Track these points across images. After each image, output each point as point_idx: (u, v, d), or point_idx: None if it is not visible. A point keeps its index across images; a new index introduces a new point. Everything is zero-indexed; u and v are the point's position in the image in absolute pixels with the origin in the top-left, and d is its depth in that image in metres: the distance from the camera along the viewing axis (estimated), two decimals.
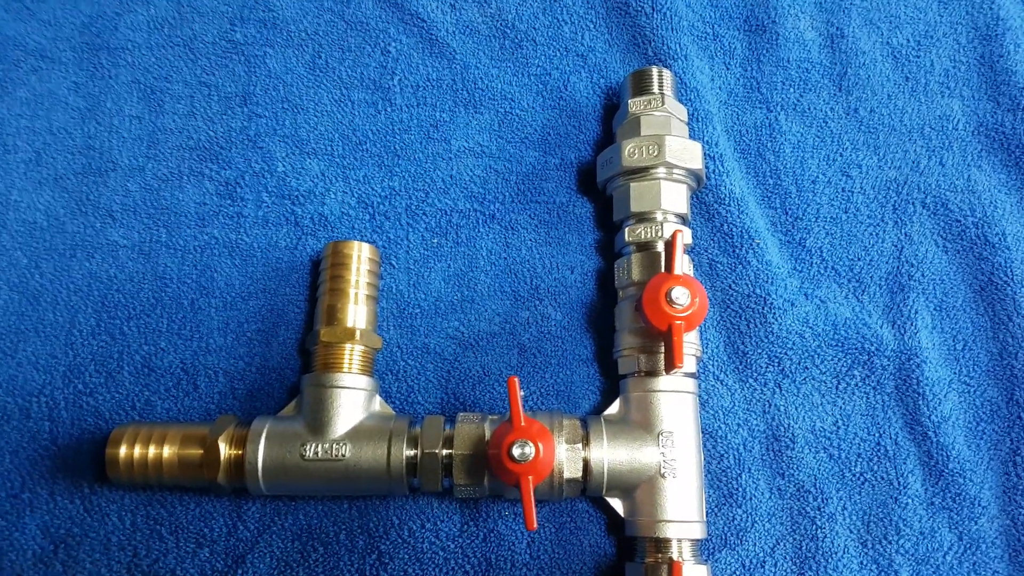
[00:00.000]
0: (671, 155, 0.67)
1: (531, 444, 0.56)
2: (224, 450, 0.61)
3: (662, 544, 0.60)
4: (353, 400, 0.63)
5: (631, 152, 0.68)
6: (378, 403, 0.66)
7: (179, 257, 0.72)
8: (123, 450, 0.61)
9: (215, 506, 0.65)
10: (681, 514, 0.61)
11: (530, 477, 0.56)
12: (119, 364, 0.68)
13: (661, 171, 0.68)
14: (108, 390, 0.68)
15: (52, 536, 0.64)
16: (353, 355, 0.64)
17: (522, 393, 0.69)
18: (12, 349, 0.69)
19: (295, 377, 0.69)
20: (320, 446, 0.61)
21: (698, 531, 0.61)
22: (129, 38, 0.80)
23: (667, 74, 0.72)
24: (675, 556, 0.60)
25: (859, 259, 0.73)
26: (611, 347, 0.69)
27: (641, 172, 0.68)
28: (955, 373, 0.70)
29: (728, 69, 0.79)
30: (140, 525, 0.64)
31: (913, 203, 0.75)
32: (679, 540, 0.60)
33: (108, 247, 0.72)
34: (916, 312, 0.71)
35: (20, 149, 0.75)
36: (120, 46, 0.79)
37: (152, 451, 0.61)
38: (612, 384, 0.69)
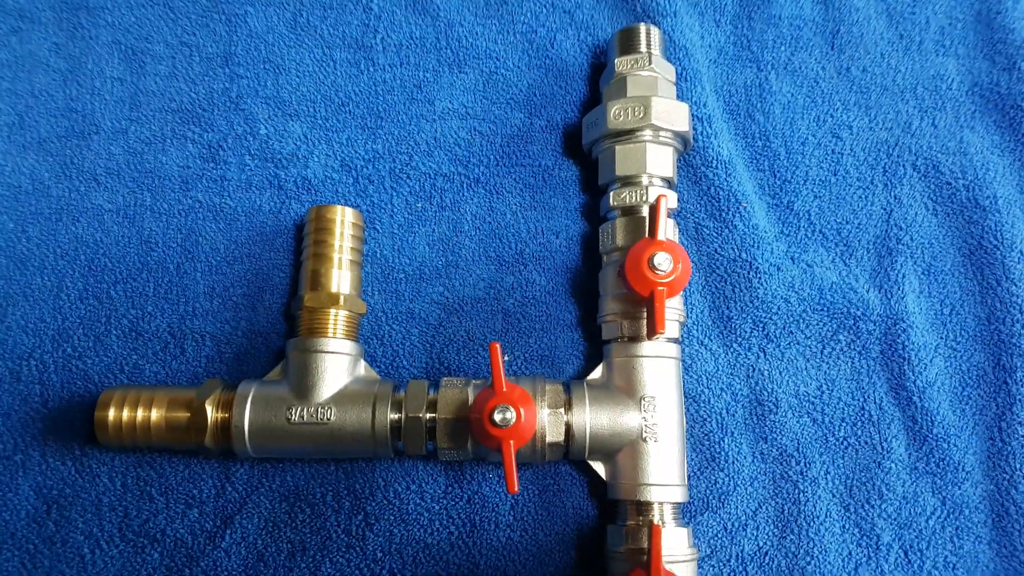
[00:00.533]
0: (657, 117, 0.66)
1: (512, 409, 0.56)
2: (211, 413, 0.61)
3: (644, 507, 0.61)
4: (338, 364, 0.63)
5: (616, 114, 0.66)
6: (363, 367, 0.66)
7: (164, 221, 0.71)
8: (112, 413, 0.62)
9: (203, 468, 0.66)
10: (663, 478, 0.61)
11: (511, 441, 0.56)
12: (107, 328, 0.69)
13: (647, 133, 0.66)
14: (97, 354, 0.68)
15: (45, 496, 0.65)
16: (337, 320, 0.65)
17: (506, 358, 0.69)
18: (1, 314, 0.69)
19: (281, 341, 0.69)
20: (305, 410, 0.61)
21: (679, 494, 0.62)
22: None
23: (655, 32, 0.70)
24: (656, 519, 0.60)
25: (847, 223, 0.72)
26: (595, 312, 0.68)
27: (627, 134, 0.67)
28: (942, 338, 0.70)
29: (719, 26, 0.77)
30: (130, 486, 0.65)
31: (904, 165, 0.74)
32: (660, 503, 0.61)
33: (93, 211, 0.72)
34: (904, 276, 0.71)
35: (3, 112, 0.74)
36: (99, 5, 0.78)
37: (140, 414, 0.62)
38: (596, 349, 0.69)
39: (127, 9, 0.78)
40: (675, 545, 0.59)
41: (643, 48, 0.69)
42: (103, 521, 0.65)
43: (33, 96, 0.75)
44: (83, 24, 0.77)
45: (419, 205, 0.73)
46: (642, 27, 0.70)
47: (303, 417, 0.61)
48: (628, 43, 0.70)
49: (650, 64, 0.68)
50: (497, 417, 0.56)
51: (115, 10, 0.78)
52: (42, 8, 0.78)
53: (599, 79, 0.74)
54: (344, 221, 0.67)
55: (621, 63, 0.69)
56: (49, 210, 0.72)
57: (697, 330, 0.70)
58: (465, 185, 0.73)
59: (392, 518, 0.65)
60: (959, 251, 0.72)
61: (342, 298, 0.65)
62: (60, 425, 0.67)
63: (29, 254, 0.71)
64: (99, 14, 0.77)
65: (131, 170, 0.73)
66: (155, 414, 0.62)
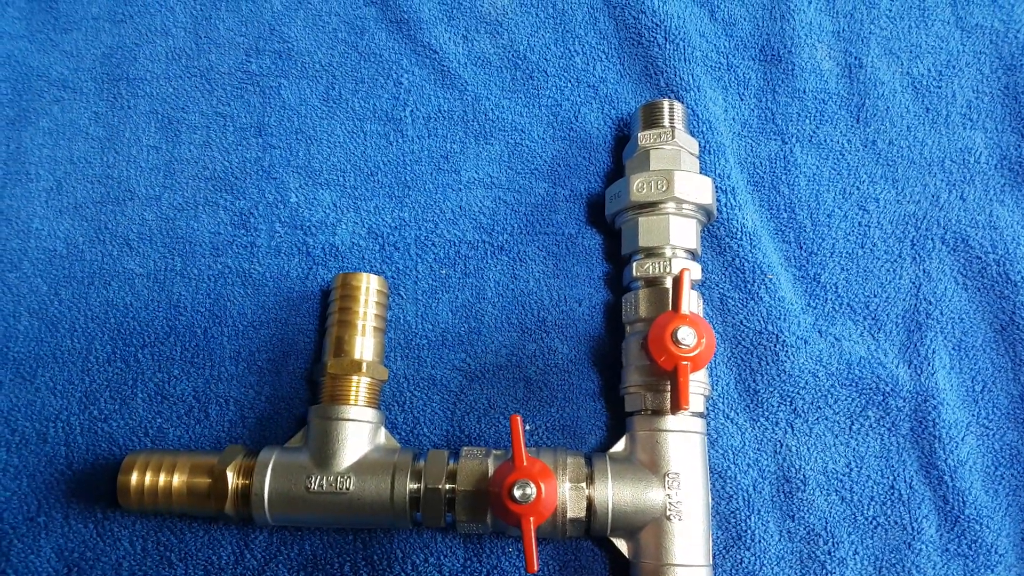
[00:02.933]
0: (680, 191, 0.67)
1: (532, 484, 0.57)
2: (232, 480, 0.63)
3: None
4: (358, 432, 0.65)
5: (639, 187, 0.68)
6: (383, 435, 0.67)
7: (193, 286, 0.74)
8: (134, 478, 0.63)
9: (223, 534, 0.67)
10: (687, 558, 0.61)
11: (531, 518, 0.57)
12: (133, 391, 0.71)
13: (670, 206, 0.68)
14: (122, 416, 0.70)
15: (66, 559, 0.66)
16: (359, 387, 0.66)
17: (527, 428, 0.70)
18: (31, 375, 0.72)
19: (304, 407, 0.70)
20: (325, 479, 0.63)
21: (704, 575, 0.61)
22: (148, 68, 0.83)
23: (678, 107, 0.73)
24: None
25: (875, 296, 0.73)
26: (618, 382, 0.69)
27: (650, 207, 0.68)
28: (973, 415, 0.70)
29: (742, 100, 0.80)
30: (151, 551, 0.67)
31: (932, 239, 0.75)
32: None
33: (124, 275, 0.75)
34: (934, 352, 0.71)
35: (42, 178, 0.78)
36: (139, 76, 0.82)
37: (163, 479, 0.63)
38: (618, 420, 0.70)
39: (165, 80, 0.82)
40: None
41: (666, 122, 0.72)
42: None
43: (71, 163, 0.79)
44: (122, 94, 0.82)
45: (443, 272, 0.75)
46: (665, 102, 0.72)
47: (322, 486, 0.62)
48: (651, 117, 0.72)
49: (673, 138, 0.71)
50: (517, 493, 0.57)
51: (154, 81, 0.82)
52: (84, 79, 0.82)
53: (622, 151, 0.76)
54: (369, 288, 0.69)
55: (644, 137, 0.71)
56: (82, 274, 0.75)
57: (723, 403, 0.70)
58: (489, 253, 0.75)
59: None
60: (990, 327, 0.72)
61: (365, 365, 0.66)
62: (84, 488, 0.68)
63: (60, 317, 0.74)
64: (138, 85, 0.82)
65: (163, 236, 0.76)
66: (177, 479, 0.63)
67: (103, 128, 0.80)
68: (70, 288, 0.74)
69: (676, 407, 0.62)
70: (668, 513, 0.62)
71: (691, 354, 0.60)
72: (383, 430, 0.67)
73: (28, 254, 0.76)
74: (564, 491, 0.61)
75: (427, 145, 0.79)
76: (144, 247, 0.76)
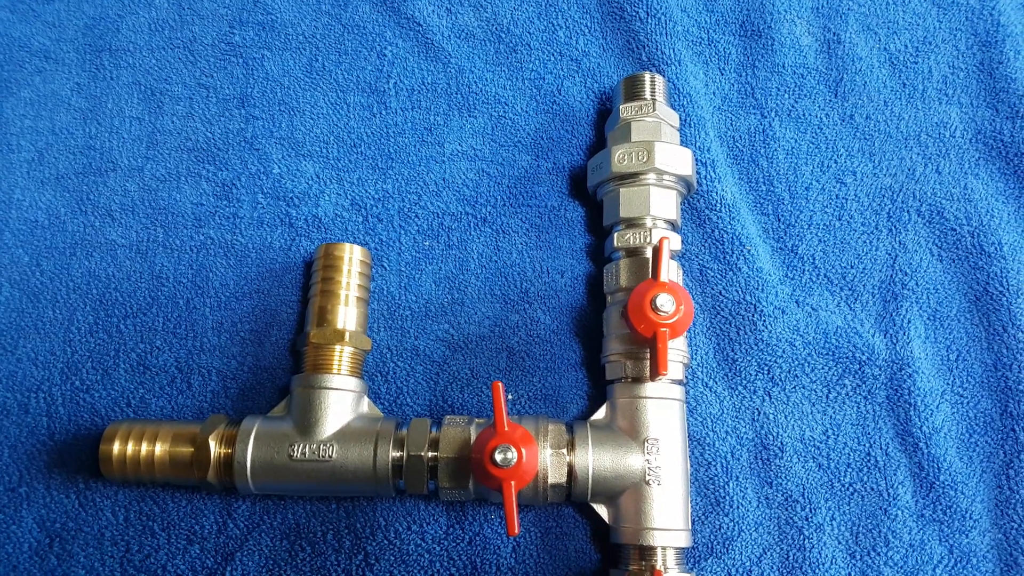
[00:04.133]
0: (660, 161, 0.68)
1: (513, 449, 0.57)
2: (214, 449, 0.62)
3: (647, 552, 0.61)
4: (341, 401, 0.64)
5: (621, 158, 0.68)
6: (366, 404, 0.67)
7: (175, 257, 0.74)
8: (116, 447, 0.63)
9: (206, 503, 0.67)
10: (666, 522, 0.61)
11: (512, 482, 0.57)
12: (115, 362, 0.70)
13: (651, 177, 0.68)
14: (104, 387, 0.70)
15: (48, 530, 0.66)
16: (342, 357, 0.66)
17: (510, 397, 0.70)
18: (12, 345, 0.71)
19: (286, 377, 0.70)
20: (308, 447, 0.62)
21: (683, 539, 0.62)
22: (131, 40, 0.82)
23: (659, 80, 0.73)
24: (659, 564, 0.60)
25: (852, 267, 0.74)
26: (599, 352, 0.70)
27: (631, 178, 0.69)
28: (948, 384, 0.70)
29: (722, 74, 0.80)
30: (133, 521, 0.66)
31: (908, 211, 0.75)
32: (664, 548, 0.61)
33: (107, 246, 0.74)
34: (909, 322, 0.72)
35: (23, 149, 0.77)
36: (122, 47, 0.81)
37: (144, 449, 0.63)
38: (600, 389, 0.70)
39: (148, 52, 0.81)
40: None
41: (647, 95, 0.72)
42: (105, 556, 0.65)
43: (53, 134, 0.78)
44: (105, 65, 0.81)
45: (427, 244, 0.75)
46: (647, 75, 0.72)
47: (305, 454, 0.62)
48: (633, 90, 0.72)
49: (654, 111, 0.71)
50: (498, 457, 0.57)
51: (136, 52, 0.81)
52: (67, 50, 0.81)
53: (604, 124, 0.76)
54: (352, 259, 0.69)
55: (626, 109, 0.71)
56: (63, 244, 0.74)
57: (702, 372, 0.71)
58: (472, 225, 0.75)
59: (392, 558, 0.65)
60: (965, 297, 0.73)
61: (348, 335, 0.66)
62: (66, 458, 0.68)
63: (42, 287, 0.73)
64: (121, 56, 0.81)
65: (145, 207, 0.75)
66: (159, 449, 0.63)
67: (85, 99, 0.79)
68: (52, 259, 0.74)
69: (655, 373, 0.62)
70: (647, 478, 0.62)
71: (669, 321, 0.61)
72: (366, 399, 0.67)
73: (9, 224, 0.75)
74: (545, 457, 0.61)
75: (410, 117, 0.79)
76: (126, 218, 0.75)
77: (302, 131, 0.78)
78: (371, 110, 0.79)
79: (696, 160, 0.74)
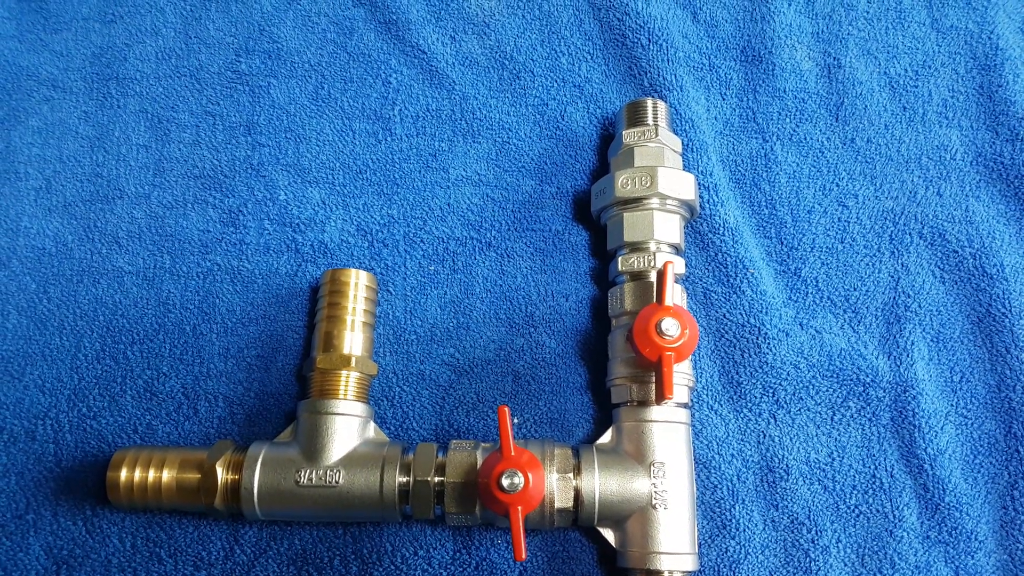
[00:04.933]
0: (664, 186, 0.69)
1: (520, 474, 0.58)
2: (221, 475, 0.63)
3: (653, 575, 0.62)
4: (348, 427, 0.66)
5: (624, 183, 0.70)
6: (372, 429, 0.68)
7: (182, 283, 0.75)
8: (123, 474, 0.64)
9: (213, 529, 0.67)
10: (673, 546, 0.62)
11: (519, 507, 0.58)
12: (122, 388, 0.72)
13: (654, 202, 0.70)
14: (111, 414, 0.71)
15: (55, 557, 0.67)
16: (348, 382, 0.67)
17: (515, 421, 0.71)
18: (19, 372, 0.72)
19: (293, 402, 0.71)
20: (314, 472, 0.63)
21: (690, 563, 0.63)
22: (138, 68, 0.84)
23: (661, 105, 0.75)
24: None
25: (855, 289, 0.75)
26: (604, 375, 0.71)
27: (634, 202, 0.70)
28: (952, 405, 0.72)
29: (724, 99, 0.82)
30: (140, 547, 0.67)
31: (910, 233, 0.77)
32: (671, 572, 0.62)
33: (114, 273, 0.75)
34: (912, 343, 0.73)
35: (31, 177, 0.79)
36: (129, 76, 0.83)
37: (152, 475, 0.64)
38: (605, 413, 0.71)
39: (155, 80, 0.83)
40: None
41: (650, 120, 0.73)
42: None
43: (61, 162, 0.80)
44: (112, 94, 0.83)
45: (432, 268, 0.76)
46: (649, 101, 0.74)
47: (312, 480, 0.63)
48: (635, 116, 0.74)
49: (656, 136, 0.72)
50: (505, 482, 0.58)
51: (143, 80, 0.83)
52: (74, 79, 0.83)
53: (608, 149, 0.78)
54: (358, 284, 0.70)
55: (629, 135, 0.73)
56: (71, 272, 0.76)
57: (707, 395, 0.72)
58: (477, 249, 0.77)
59: None
60: (968, 319, 0.74)
61: (354, 360, 0.67)
62: (73, 485, 0.69)
63: (49, 315, 0.74)
64: (128, 84, 0.83)
65: (152, 233, 0.77)
66: (166, 475, 0.64)
67: (93, 127, 0.81)
68: (59, 286, 0.75)
69: (660, 397, 0.63)
70: (654, 502, 0.63)
71: (675, 345, 0.62)
72: (372, 424, 0.68)
73: (17, 252, 0.76)
74: (552, 481, 0.62)
75: (415, 144, 0.80)
76: (133, 245, 0.77)
77: (308, 158, 0.80)
78: (376, 137, 0.81)
79: (699, 184, 0.75)
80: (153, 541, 0.67)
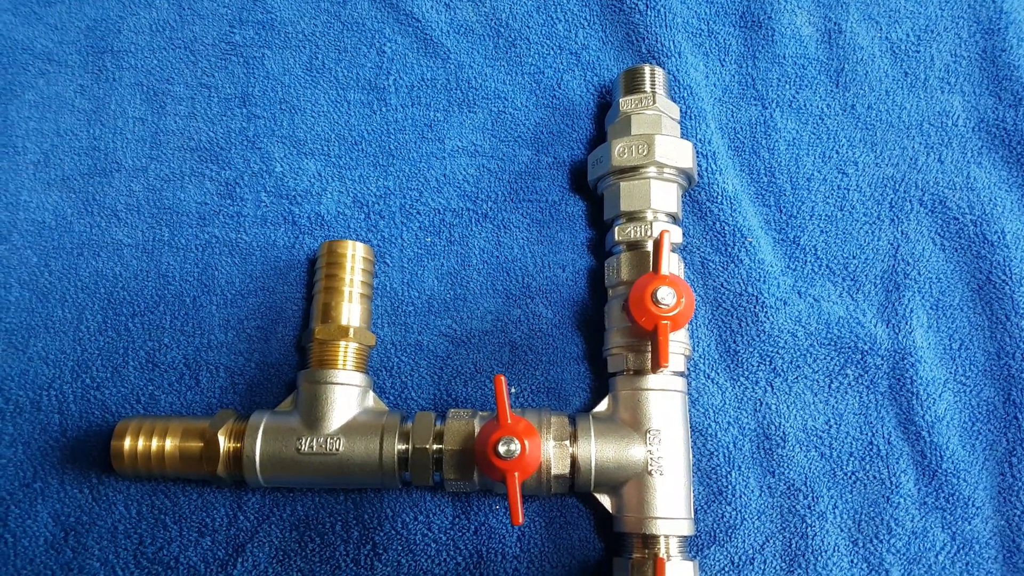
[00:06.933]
0: (661, 155, 0.71)
1: (516, 441, 0.61)
2: (223, 444, 0.67)
3: (650, 540, 0.65)
4: (347, 396, 0.69)
5: (621, 151, 0.72)
6: (372, 399, 0.71)
7: (181, 255, 0.78)
8: (127, 443, 0.68)
9: (216, 496, 0.71)
10: (669, 511, 0.65)
11: (516, 473, 0.61)
12: (124, 359, 0.75)
13: (651, 170, 0.72)
14: (114, 384, 0.74)
15: (63, 524, 0.71)
16: (347, 352, 0.70)
17: (512, 390, 0.74)
18: (23, 344, 0.76)
19: (292, 373, 0.75)
20: (315, 440, 0.67)
21: (686, 528, 0.66)
22: (132, 41, 0.86)
23: (659, 72, 0.77)
24: (662, 552, 0.64)
25: (854, 257, 0.77)
26: (601, 345, 0.74)
27: (631, 171, 0.73)
28: (951, 373, 0.74)
29: (723, 66, 0.84)
30: (145, 514, 0.71)
31: (910, 201, 0.79)
32: (667, 536, 0.65)
33: (113, 246, 0.79)
34: (911, 311, 0.75)
35: (29, 151, 0.82)
36: (123, 49, 0.86)
37: (155, 444, 0.68)
38: (602, 382, 0.74)
39: (150, 52, 0.86)
40: None
41: (647, 88, 0.75)
42: (119, 548, 0.70)
43: (58, 135, 0.83)
44: (107, 67, 0.85)
45: (428, 240, 0.79)
46: (646, 68, 0.76)
47: (312, 448, 0.67)
48: (633, 83, 0.76)
49: (654, 103, 0.75)
50: (501, 449, 0.61)
51: (138, 53, 0.86)
52: (69, 52, 0.86)
53: (605, 117, 0.80)
54: (355, 256, 0.73)
55: (626, 102, 0.75)
56: (71, 245, 0.79)
57: (704, 364, 0.75)
58: (473, 220, 0.79)
59: (400, 548, 0.70)
60: (967, 286, 0.76)
61: (352, 331, 0.70)
62: (78, 454, 0.73)
63: (51, 287, 0.78)
64: (123, 57, 0.86)
65: (150, 206, 0.80)
66: (169, 444, 0.68)
67: (89, 100, 0.84)
68: (60, 259, 0.78)
69: (656, 365, 0.66)
70: (650, 468, 0.66)
71: (671, 313, 0.64)
72: (371, 394, 0.72)
73: (17, 226, 0.79)
74: (548, 449, 0.66)
75: (411, 114, 0.83)
76: (132, 218, 0.80)
77: (303, 129, 0.82)
78: (371, 107, 0.83)
79: (697, 152, 0.78)
80: (158, 508, 0.71)
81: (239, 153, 0.82)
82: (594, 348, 0.75)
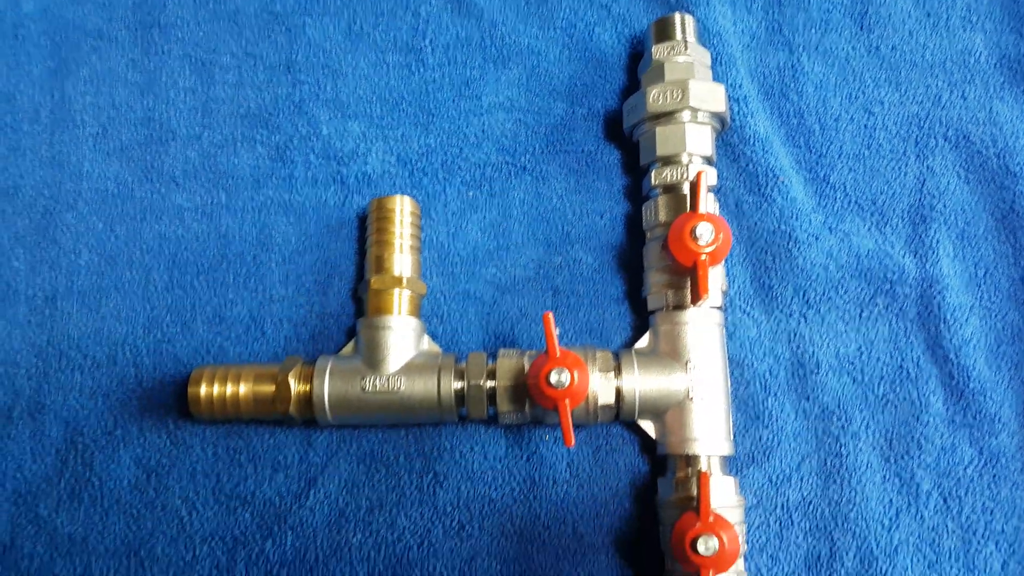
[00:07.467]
0: (695, 99, 0.75)
1: (567, 372, 0.66)
2: (294, 386, 0.72)
3: (692, 460, 0.70)
4: (404, 339, 0.74)
5: (655, 98, 0.76)
6: (426, 342, 0.77)
7: (239, 217, 0.84)
8: (203, 389, 0.73)
9: (287, 436, 0.77)
10: (709, 433, 0.70)
11: (567, 401, 0.66)
12: (192, 315, 0.81)
13: (686, 115, 0.76)
14: (184, 338, 0.80)
15: (144, 466, 0.77)
16: (401, 299, 0.75)
17: (557, 331, 0.79)
18: (96, 304, 0.81)
19: (351, 321, 0.80)
20: (378, 380, 0.72)
21: (726, 448, 0.71)
22: (177, 14, 0.91)
23: (689, 20, 0.80)
24: (704, 470, 0.70)
25: (882, 193, 0.81)
26: (640, 286, 0.78)
27: (666, 116, 0.76)
28: (976, 299, 0.78)
29: (750, 12, 0.87)
30: (221, 455, 0.77)
31: (935, 137, 0.82)
32: (708, 456, 0.70)
33: (174, 210, 0.84)
34: (938, 241, 0.79)
35: (88, 124, 0.87)
36: (169, 23, 0.90)
37: (229, 389, 0.73)
38: (642, 321, 0.79)
39: (195, 25, 0.90)
40: (723, 493, 0.69)
41: (678, 36, 0.79)
42: (197, 486, 0.76)
43: (114, 108, 0.88)
44: (156, 40, 0.90)
45: (470, 194, 0.84)
46: (677, 16, 0.80)
47: (376, 386, 0.72)
48: (664, 32, 0.80)
49: (686, 50, 0.78)
50: (553, 379, 0.66)
51: (184, 26, 0.90)
52: (118, 28, 0.91)
53: (637, 68, 0.84)
54: (403, 210, 0.78)
55: (658, 50, 0.79)
56: (134, 210, 0.84)
57: (740, 299, 0.79)
58: (513, 173, 0.84)
59: (459, 476, 0.75)
60: (991, 216, 0.80)
61: (405, 280, 0.76)
62: (154, 403, 0.79)
63: (118, 251, 0.83)
64: (170, 31, 0.90)
65: (206, 172, 0.85)
66: (243, 388, 0.73)
67: (140, 74, 0.89)
68: (124, 224, 0.84)
69: (696, 299, 0.71)
70: (691, 395, 0.71)
71: (709, 249, 0.68)
72: (426, 337, 0.77)
73: (82, 195, 0.85)
74: (594, 380, 0.70)
75: (448, 73, 0.87)
76: (190, 183, 0.85)
77: (346, 92, 0.87)
78: (409, 68, 0.87)
79: (728, 97, 0.81)
80: (233, 448, 0.77)
81: (287, 118, 0.86)
82: (633, 289, 0.80)
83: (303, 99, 0.87)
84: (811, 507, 0.74)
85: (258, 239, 0.83)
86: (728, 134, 0.82)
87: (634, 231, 0.82)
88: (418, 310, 0.77)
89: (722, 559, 0.64)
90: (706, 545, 0.63)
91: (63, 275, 0.82)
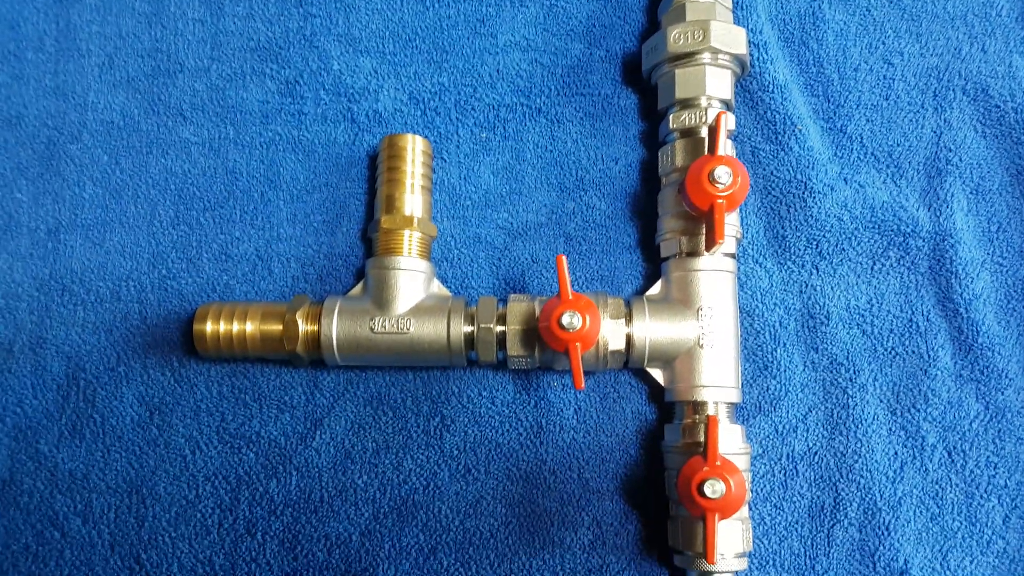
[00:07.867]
0: (716, 40, 0.74)
1: (579, 315, 0.66)
2: (302, 325, 0.72)
3: (700, 406, 0.71)
4: (414, 281, 0.74)
5: (676, 38, 0.75)
6: (436, 285, 0.76)
7: (247, 153, 0.82)
8: (209, 326, 0.73)
9: (294, 376, 0.77)
10: (718, 380, 0.71)
11: (578, 344, 0.66)
12: (198, 252, 0.80)
13: (706, 56, 0.75)
14: (190, 275, 0.80)
15: (147, 404, 0.77)
16: (412, 240, 0.75)
17: (569, 276, 0.79)
18: (100, 238, 0.81)
19: (360, 262, 0.80)
20: (387, 321, 0.72)
21: (734, 395, 0.71)
22: None
23: None
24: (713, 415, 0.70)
25: (898, 145, 0.81)
26: (653, 234, 0.78)
27: (686, 58, 0.75)
28: (988, 254, 0.78)
29: None
30: (226, 394, 0.77)
31: (953, 90, 0.82)
32: (716, 403, 0.71)
33: (181, 144, 0.83)
34: (952, 196, 0.79)
35: (93, 53, 0.85)
36: None
37: (236, 327, 0.73)
38: (654, 269, 0.79)
39: None
40: (730, 440, 0.69)
41: None
42: (202, 425, 0.76)
43: (121, 38, 0.86)
44: None
45: (483, 135, 0.83)
46: None
47: (385, 327, 0.72)
48: None
49: None
50: (565, 321, 0.66)
51: None
52: None
53: (657, 9, 0.82)
54: (415, 149, 0.77)
55: None
56: (140, 144, 0.83)
57: (753, 249, 0.79)
58: (527, 115, 0.83)
59: (466, 420, 0.76)
60: (1007, 171, 0.80)
61: (415, 220, 0.75)
62: (159, 340, 0.78)
63: (123, 184, 0.82)
64: None
65: (214, 105, 0.84)
66: (250, 326, 0.73)
67: (148, 3, 0.87)
68: (130, 157, 0.83)
69: (711, 244, 0.70)
70: (701, 342, 0.71)
71: (726, 192, 0.68)
72: (436, 280, 0.77)
73: (87, 126, 0.83)
74: (605, 326, 0.71)
75: (463, 9, 0.85)
76: (197, 117, 0.83)
77: (358, 27, 0.85)
78: (424, 3, 0.86)
79: (749, 42, 0.80)
80: (238, 388, 0.77)
81: (297, 52, 0.85)
82: (646, 237, 0.80)
83: (314, 33, 0.85)
84: (816, 457, 0.75)
85: (266, 176, 0.82)
86: (747, 80, 0.81)
87: (648, 178, 0.81)
88: (428, 253, 0.77)
89: (728, 503, 0.64)
90: (713, 488, 0.64)
91: (67, 208, 0.81)
